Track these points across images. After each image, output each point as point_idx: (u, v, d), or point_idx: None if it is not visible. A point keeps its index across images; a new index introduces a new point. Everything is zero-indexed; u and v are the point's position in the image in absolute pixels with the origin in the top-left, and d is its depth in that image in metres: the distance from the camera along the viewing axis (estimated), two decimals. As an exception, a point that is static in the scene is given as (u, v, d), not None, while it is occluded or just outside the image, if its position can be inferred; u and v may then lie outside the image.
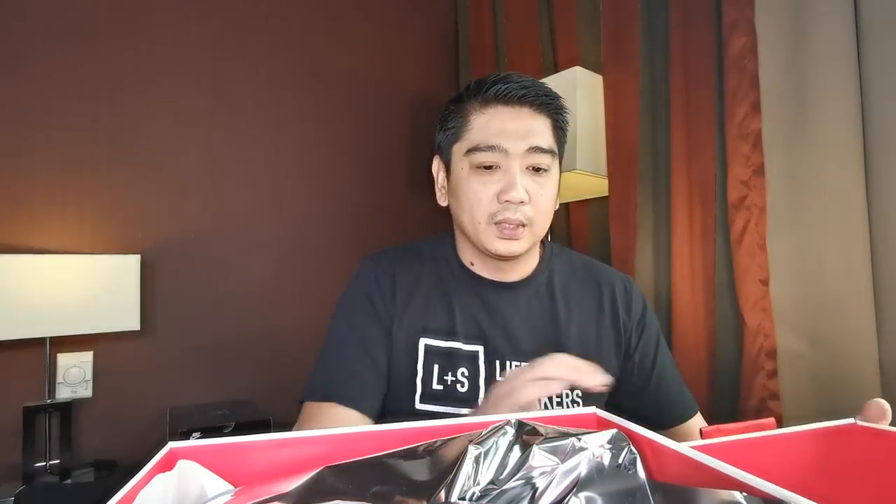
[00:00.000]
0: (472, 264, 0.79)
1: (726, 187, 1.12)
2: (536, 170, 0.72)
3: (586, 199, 1.57)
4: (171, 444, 0.34)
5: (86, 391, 1.44)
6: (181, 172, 1.62)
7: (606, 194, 1.44)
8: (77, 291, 1.34)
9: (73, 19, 1.48)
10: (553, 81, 1.42)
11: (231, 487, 0.35)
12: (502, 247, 0.71)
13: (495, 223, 0.71)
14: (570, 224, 1.66)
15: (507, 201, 0.70)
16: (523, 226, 0.71)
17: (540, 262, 0.81)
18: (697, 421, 0.79)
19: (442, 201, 0.80)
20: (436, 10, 2.13)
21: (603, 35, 1.44)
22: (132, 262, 1.43)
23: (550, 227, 1.51)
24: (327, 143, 1.87)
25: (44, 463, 1.32)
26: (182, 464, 0.34)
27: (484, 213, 0.71)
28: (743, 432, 0.39)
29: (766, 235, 1.05)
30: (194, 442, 0.34)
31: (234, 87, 1.72)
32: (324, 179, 1.86)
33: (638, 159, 1.34)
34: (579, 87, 1.36)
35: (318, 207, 1.84)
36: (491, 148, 0.70)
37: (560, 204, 1.63)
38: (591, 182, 1.48)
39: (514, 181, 0.69)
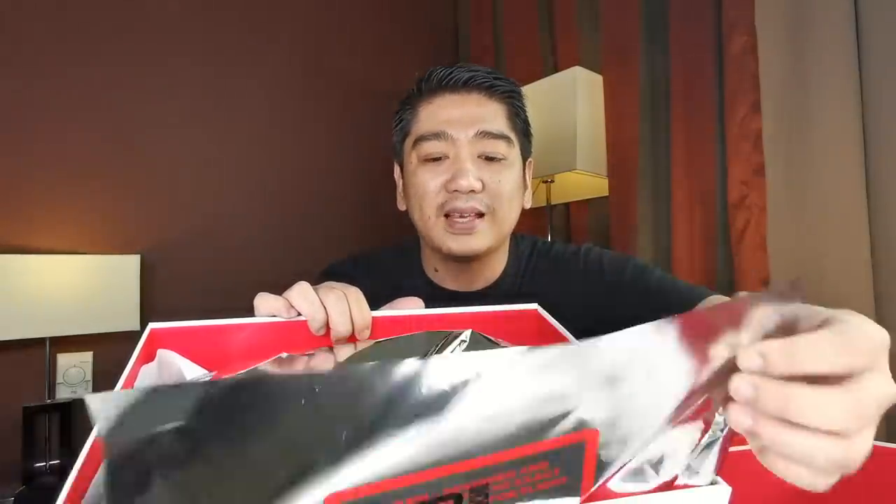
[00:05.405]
0: (437, 271, 0.74)
1: (726, 187, 1.12)
2: (490, 159, 0.66)
3: (586, 199, 1.57)
4: (152, 325, 0.35)
5: (86, 391, 1.43)
6: (181, 172, 1.62)
7: (606, 194, 1.44)
8: (77, 291, 1.34)
9: (73, 20, 1.48)
10: (553, 81, 1.43)
11: (206, 372, 0.36)
12: (456, 245, 0.66)
13: (445, 215, 0.65)
14: (570, 224, 1.65)
15: (455, 190, 0.64)
16: (481, 215, 0.65)
17: (508, 262, 0.74)
18: (714, 298, 0.66)
19: (400, 205, 0.74)
20: (435, 10, 2.13)
21: (603, 35, 1.44)
22: (132, 262, 1.43)
23: (551, 228, 1.54)
24: (327, 143, 1.87)
25: (44, 463, 1.32)
26: (161, 353, 0.36)
27: (432, 204, 0.66)
28: (731, 445, 0.39)
29: (766, 235, 1.05)
30: (174, 323, 0.36)
31: (235, 87, 1.71)
32: (324, 179, 1.86)
33: (638, 159, 1.34)
34: (579, 87, 1.36)
35: (319, 208, 1.84)
36: (436, 136, 0.66)
37: (560, 204, 1.64)
38: (591, 182, 1.48)
39: (463, 167, 0.64)
